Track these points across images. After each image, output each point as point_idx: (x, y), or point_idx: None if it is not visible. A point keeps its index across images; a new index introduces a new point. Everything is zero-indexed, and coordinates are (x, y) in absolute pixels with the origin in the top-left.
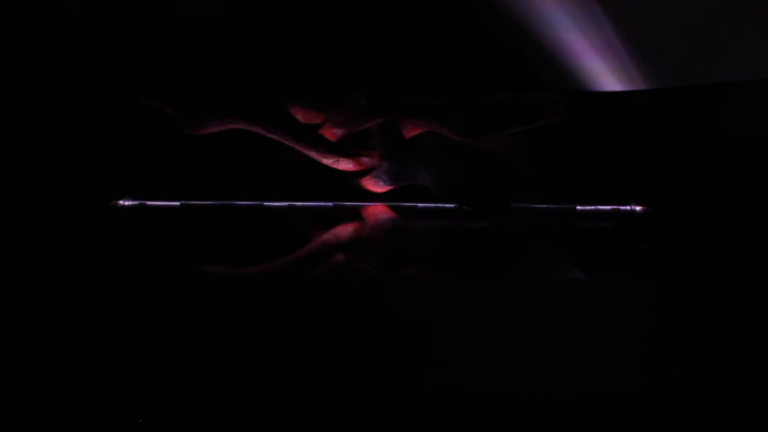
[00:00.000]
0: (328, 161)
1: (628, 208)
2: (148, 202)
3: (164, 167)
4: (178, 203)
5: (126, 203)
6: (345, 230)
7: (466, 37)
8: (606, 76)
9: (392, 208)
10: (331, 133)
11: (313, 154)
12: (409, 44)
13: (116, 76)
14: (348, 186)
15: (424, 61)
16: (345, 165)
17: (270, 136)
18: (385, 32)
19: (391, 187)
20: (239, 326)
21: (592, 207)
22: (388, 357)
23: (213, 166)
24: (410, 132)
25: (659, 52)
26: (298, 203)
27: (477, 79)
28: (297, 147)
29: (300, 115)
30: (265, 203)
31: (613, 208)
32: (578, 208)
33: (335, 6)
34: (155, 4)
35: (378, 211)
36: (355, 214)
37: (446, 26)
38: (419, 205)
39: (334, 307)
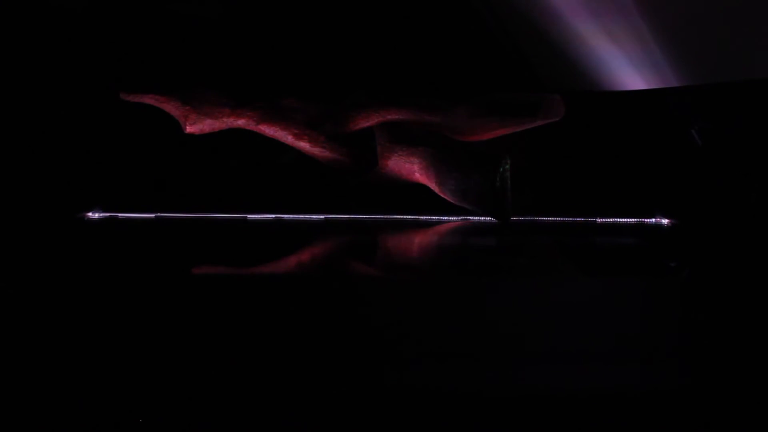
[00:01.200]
0: (329, 156)
1: (653, 221)
2: (120, 215)
3: (138, 176)
4: (152, 216)
5: (96, 216)
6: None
7: (467, 37)
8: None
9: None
10: (332, 132)
11: (315, 152)
12: (409, 44)
13: (112, 73)
14: (338, 200)
15: (424, 60)
16: (345, 161)
17: (270, 134)
18: (385, 32)
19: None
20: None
21: (614, 220)
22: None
23: (192, 176)
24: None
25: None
26: (285, 216)
27: (477, 79)
28: (297, 145)
29: (300, 115)
30: (250, 216)
31: (637, 221)
32: (599, 220)
33: (336, 5)
34: (157, 3)
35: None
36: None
37: (447, 26)
38: (422, 217)
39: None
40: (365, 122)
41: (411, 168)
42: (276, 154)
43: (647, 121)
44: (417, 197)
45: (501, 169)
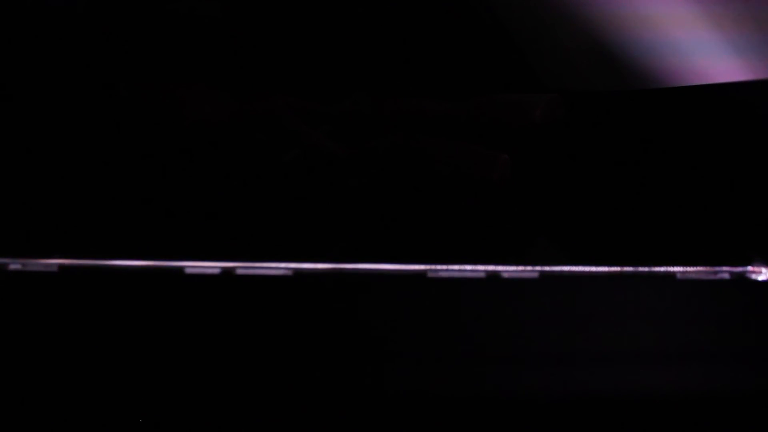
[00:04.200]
0: (329, 156)
1: (749, 269)
2: (12, 264)
3: (39, 209)
4: (55, 264)
5: None
6: None
7: (470, 35)
8: None
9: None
10: (332, 132)
11: (316, 152)
12: (411, 43)
13: (111, 72)
14: (324, 238)
15: (425, 60)
16: (345, 161)
17: (270, 133)
18: (387, 31)
19: None
20: None
21: (699, 269)
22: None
23: (112, 210)
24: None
25: None
26: (240, 265)
27: (479, 79)
28: (297, 145)
29: (299, 114)
30: (189, 267)
31: (731, 273)
32: (680, 272)
33: (336, 5)
34: (154, 4)
35: None
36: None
37: (449, 25)
38: (429, 268)
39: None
40: (365, 122)
41: (411, 167)
42: (276, 154)
43: (736, 126)
44: (417, 223)
45: (500, 167)
